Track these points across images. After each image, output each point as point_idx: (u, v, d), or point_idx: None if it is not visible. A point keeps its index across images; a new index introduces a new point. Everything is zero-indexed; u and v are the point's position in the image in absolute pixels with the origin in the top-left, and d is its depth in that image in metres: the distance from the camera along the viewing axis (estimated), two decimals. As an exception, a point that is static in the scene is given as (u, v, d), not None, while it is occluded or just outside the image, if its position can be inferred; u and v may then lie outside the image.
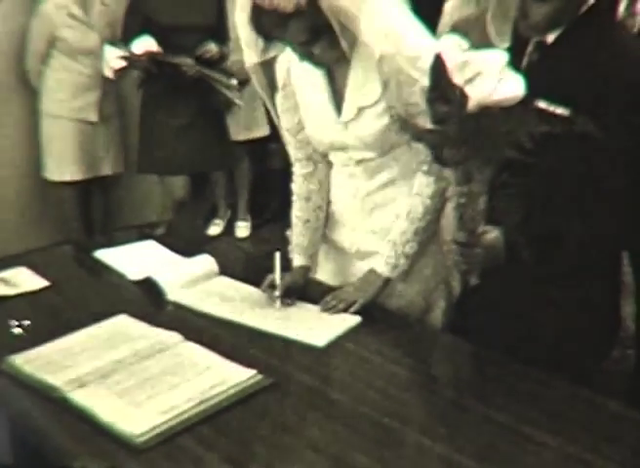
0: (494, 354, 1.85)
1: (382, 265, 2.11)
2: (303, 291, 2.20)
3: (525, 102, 1.57)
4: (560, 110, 1.55)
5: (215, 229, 5.40)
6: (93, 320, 2.01)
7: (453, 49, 1.62)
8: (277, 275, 2.15)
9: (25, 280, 2.33)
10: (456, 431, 1.57)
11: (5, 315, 2.12)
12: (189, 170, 4.84)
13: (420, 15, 2.04)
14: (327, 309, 2.09)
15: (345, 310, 2.07)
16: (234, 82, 4.42)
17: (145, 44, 4.25)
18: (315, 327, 2.01)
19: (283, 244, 2.35)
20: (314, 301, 2.13)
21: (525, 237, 1.69)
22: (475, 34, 1.63)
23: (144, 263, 2.42)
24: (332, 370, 1.90)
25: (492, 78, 1.56)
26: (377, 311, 2.10)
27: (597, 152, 1.69)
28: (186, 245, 2.62)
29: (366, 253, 2.22)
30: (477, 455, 1.47)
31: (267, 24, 1.93)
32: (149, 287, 2.25)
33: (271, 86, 2.19)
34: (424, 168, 2.05)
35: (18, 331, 1.99)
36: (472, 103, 1.57)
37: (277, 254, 2.15)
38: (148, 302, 2.24)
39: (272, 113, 2.26)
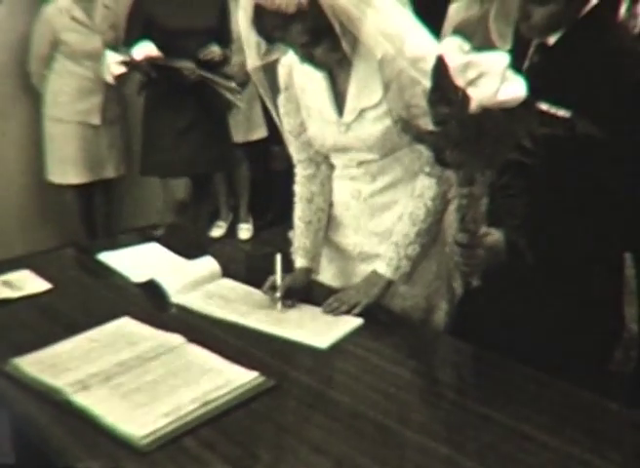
0: (495, 356, 1.85)
1: (385, 267, 2.11)
2: (306, 292, 2.20)
3: (526, 104, 1.57)
4: (561, 112, 1.55)
5: (217, 231, 5.41)
6: (96, 322, 2.01)
7: (454, 51, 1.62)
8: (278, 277, 2.15)
9: (29, 283, 2.33)
10: (457, 432, 1.57)
11: (8, 318, 2.13)
12: (192, 171, 4.85)
13: (424, 17, 2.04)
14: (329, 311, 2.09)
15: (348, 312, 2.07)
16: (233, 84, 4.43)
17: (145, 49, 4.26)
18: (318, 328, 2.01)
19: (285, 246, 2.36)
20: (317, 303, 2.13)
21: (526, 238, 1.69)
22: (477, 36, 1.63)
23: (147, 266, 2.43)
24: (334, 372, 1.90)
25: (494, 80, 1.56)
26: (379, 313, 2.10)
27: (599, 154, 1.69)
28: (189, 247, 2.62)
29: (368, 255, 2.22)
30: (478, 456, 1.47)
31: (269, 26, 1.93)
32: (152, 289, 2.25)
33: (273, 88, 2.20)
34: (426, 169, 2.06)
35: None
36: (474, 105, 1.57)
37: (278, 256, 2.16)
38: (151, 305, 2.24)
39: (274, 115, 2.26)
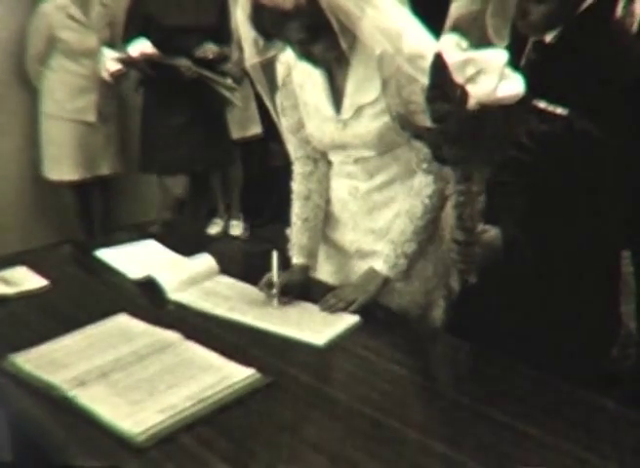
0: (492, 353, 1.85)
1: (382, 264, 2.11)
2: (303, 289, 2.20)
3: (524, 102, 1.57)
4: (559, 110, 1.55)
5: (214, 228, 5.41)
6: (93, 319, 2.01)
7: (453, 47, 1.62)
8: (274, 274, 2.15)
9: (26, 279, 2.33)
10: (454, 429, 1.57)
11: (5, 314, 2.13)
12: (190, 168, 4.84)
13: (423, 16, 2.04)
14: (327, 308, 2.09)
15: (345, 309, 2.07)
16: (230, 82, 4.43)
17: (141, 46, 4.26)
18: (315, 326, 2.01)
19: (283, 243, 2.35)
20: (314, 300, 2.13)
21: (523, 236, 1.69)
22: (474, 33, 1.63)
23: (145, 263, 2.43)
24: (331, 370, 1.91)
25: (492, 77, 1.56)
26: (376, 310, 2.10)
27: (596, 151, 1.69)
28: (186, 244, 2.62)
29: (365, 253, 2.22)
30: (475, 453, 1.47)
31: (267, 23, 1.93)
32: (149, 286, 2.25)
33: (271, 85, 2.20)
34: (424, 166, 2.06)
35: None
36: (472, 102, 1.57)
37: (275, 253, 2.16)
38: (148, 301, 2.24)
39: (272, 112, 2.26)
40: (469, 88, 1.56)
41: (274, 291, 2.14)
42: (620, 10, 2.95)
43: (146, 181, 5.10)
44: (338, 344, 1.94)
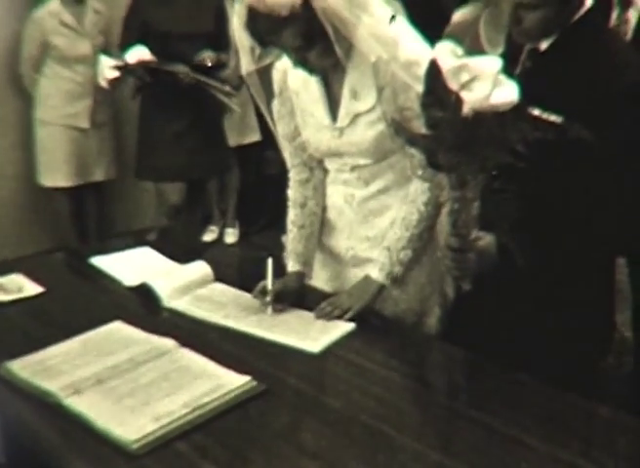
0: (487, 360, 1.85)
1: (377, 272, 2.11)
2: (298, 296, 2.20)
3: (519, 109, 1.57)
4: (553, 117, 1.56)
5: (210, 236, 5.41)
6: (88, 326, 2.01)
7: (448, 54, 1.63)
8: (269, 281, 2.15)
9: (21, 286, 2.33)
10: (449, 436, 1.58)
11: (0, 321, 2.13)
12: (187, 176, 4.83)
13: (419, 23, 2.05)
14: (322, 315, 2.09)
15: (340, 317, 2.07)
16: (228, 88, 4.43)
17: (139, 53, 4.25)
18: (310, 333, 2.01)
19: (278, 250, 2.36)
20: (309, 308, 2.13)
21: (517, 242, 1.69)
22: (468, 40, 1.64)
23: (140, 270, 2.42)
24: (326, 377, 1.90)
25: (486, 83, 1.57)
26: (371, 317, 2.10)
27: (591, 158, 1.69)
28: (182, 251, 2.62)
29: (361, 260, 2.22)
30: (470, 461, 1.47)
31: (262, 29, 1.94)
32: (144, 293, 2.25)
33: (268, 92, 2.20)
34: (418, 172, 2.06)
35: None
36: (467, 109, 1.57)
37: (269, 261, 2.16)
38: (144, 308, 2.24)
39: (268, 119, 2.26)
40: (463, 94, 1.57)
41: (268, 298, 2.14)
42: (614, 18, 2.97)
43: (141, 188, 5.10)
44: (333, 351, 1.94)
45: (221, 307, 2.18)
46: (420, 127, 1.81)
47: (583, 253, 1.83)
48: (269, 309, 2.13)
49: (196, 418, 1.60)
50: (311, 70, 2.04)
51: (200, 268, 2.39)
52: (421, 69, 1.73)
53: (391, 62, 1.95)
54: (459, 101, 1.57)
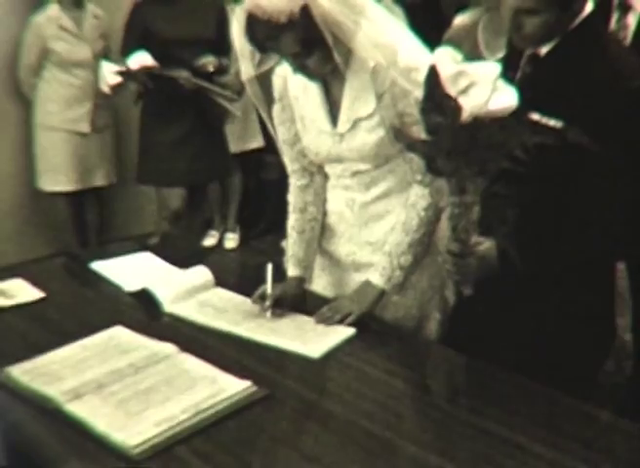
0: (488, 365, 1.85)
1: (378, 277, 2.11)
2: (298, 301, 2.20)
3: (518, 114, 1.58)
4: (553, 122, 1.56)
5: (210, 241, 5.41)
6: (88, 331, 2.01)
7: (447, 60, 1.63)
8: (268, 286, 2.15)
9: (21, 291, 2.33)
10: (449, 442, 1.57)
11: (1, 326, 2.13)
12: (189, 182, 4.83)
13: (419, 28, 2.06)
14: (322, 320, 2.09)
15: (341, 321, 2.07)
16: (229, 93, 4.43)
17: (141, 58, 4.26)
18: (310, 338, 2.01)
19: (278, 255, 2.36)
20: (310, 313, 2.13)
21: (518, 248, 1.70)
22: (466, 45, 1.64)
23: (140, 275, 2.42)
24: (327, 382, 1.90)
25: (485, 89, 1.57)
26: (372, 323, 2.10)
27: (591, 163, 1.70)
28: (182, 256, 2.62)
29: (361, 265, 2.22)
30: (470, 466, 1.47)
31: (261, 35, 1.94)
32: (145, 298, 2.25)
33: (268, 98, 2.20)
34: (418, 178, 2.06)
35: None
36: (465, 114, 1.58)
37: (269, 266, 2.16)
38: (144, 314, 2.23)
39: (269, 125, 2.26)
40: (462, 100, 1.57)
41: (267, 303, 2.14)
42: (613, 23, 2.97)
43: (144, 193, 5.10)
44: (333, 357, 1.94)
45: (222, 312, 2.18)
46: (419, 132, 1.81)
47: (583, 258, 1.83)
48: (269, 314, 2.13)
49: (197, 423, 1.60)
50: (311, 76, 2.04)
51: (201, 273, 2.39)
52: (421, 75, 1.73)
53: (390, 68, 1.95)
54: (458, 107, 1.58)
